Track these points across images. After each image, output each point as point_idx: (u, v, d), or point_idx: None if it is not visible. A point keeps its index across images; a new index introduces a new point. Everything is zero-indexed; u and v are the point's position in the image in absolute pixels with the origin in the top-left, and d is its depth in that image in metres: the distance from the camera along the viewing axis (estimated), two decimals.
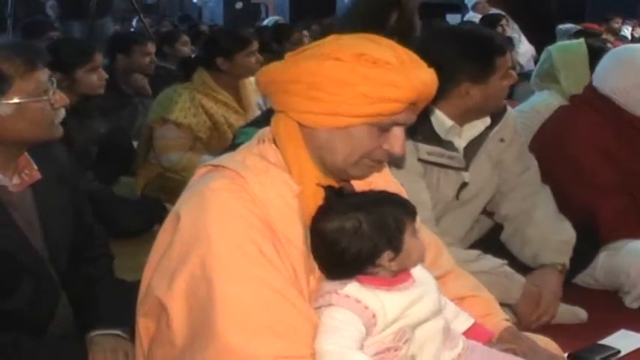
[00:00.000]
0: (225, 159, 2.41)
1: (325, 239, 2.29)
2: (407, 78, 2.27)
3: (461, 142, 3.62)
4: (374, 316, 2.26)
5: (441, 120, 3.49)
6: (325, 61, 2.29)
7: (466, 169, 3.64)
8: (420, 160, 3.46)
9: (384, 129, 2.34)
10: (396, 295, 2.31)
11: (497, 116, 3.68)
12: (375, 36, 2.41)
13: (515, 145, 3.81)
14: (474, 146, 3.66)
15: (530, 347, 2.63)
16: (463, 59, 3.40)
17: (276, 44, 9.54)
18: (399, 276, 2.33)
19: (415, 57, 2.36)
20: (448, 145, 3.55)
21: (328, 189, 2.33)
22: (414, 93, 2.29)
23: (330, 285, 2.31)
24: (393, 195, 2.41)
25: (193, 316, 2.24)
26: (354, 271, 2.30)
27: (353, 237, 2.27)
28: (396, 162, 2.91)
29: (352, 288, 2.28)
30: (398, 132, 2.36)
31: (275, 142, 2.41)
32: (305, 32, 10.81)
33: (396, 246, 2.30)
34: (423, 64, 2.36)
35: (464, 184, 3.65)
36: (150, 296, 2.35)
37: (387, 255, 2.29)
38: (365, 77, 2.25)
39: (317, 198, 2.34)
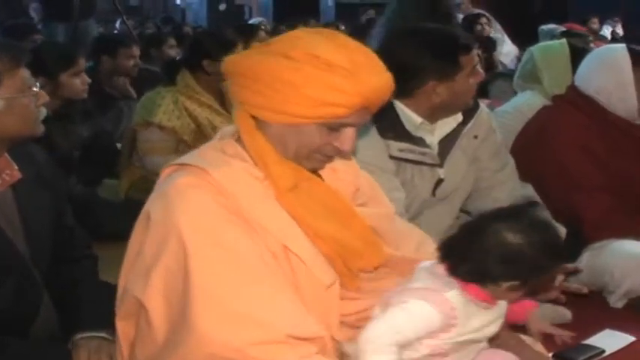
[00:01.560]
0: (187, 157, 2.48)
1: (500, 243, 2.28)
2: (356, 84, 2.29)
3: (433, 139, 3.64)
4: (454, 325, 2.32)
5: (410, 117, 3.51)
6: (273, 57, 2.33)
7: (441, 165, 3.67)
8: (391, 157, 3.48)
9: (333, 129, 2.37)
10: (484, 312, 2.36)
11: (469, 113, 3.70)
12: (335, 33, 2.44)
13: (489, 141, 3.84)
14: (448, 143, 3.69)
15: (517, 343, 2.66)
16: (428, 58, 3.45)
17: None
18: None
19: (372, 59, 2.38)
20: (419, 141, 3.58)
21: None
22: (361, 99, 2.31)
23: (432, 283, 2.35)
24: None
25: (172, 310, 2.27)
26: (484, 280, 2.32)
27: (520, 257, 2.27)
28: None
29: (453, 294, 2.32)
30: (349, 132, 2.40)
31: (236, 137, 2.46)
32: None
33: (532, 277, 2.34)
34: (378, 68, 2.38)
35: (440, 181, 3.68)
36: (127, 297, 2.39)
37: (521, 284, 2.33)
38: (310, 79, 2.28)
39: (285, 174, 2.39)
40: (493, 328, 2.44)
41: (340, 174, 2.58)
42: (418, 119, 3.52)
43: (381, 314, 2.35)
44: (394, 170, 3.50)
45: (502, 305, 2.45)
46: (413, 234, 2.83)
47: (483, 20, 11.19)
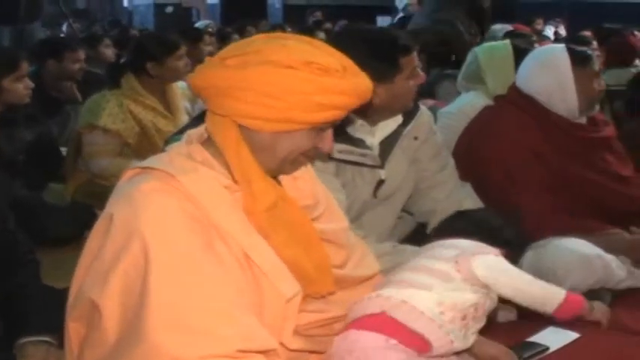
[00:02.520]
0: (153, 161, 2.42)
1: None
2: (353, 86, 2.36)
3: (374, 140, 3.63)
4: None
5: (349, 118, 3.51)
6: (278, 68, 2.30)
7: (382, 167, 3.67)
8: (330, 158, 3.48)
9: (322, 129, 2.42)
10: None
11: (409, 114, 3.70)
12: (312, 39, 2.46)
13: (430, 143, 3.85)
14: (388, 144, 3.69)
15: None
16: (367, 59, 3.40)
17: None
18: None
19: (351, 63, 2.43)
20: (359, 143, 3.56)
21: None
22: (359, 100, 2.39)
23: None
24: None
25: (126, 315, 2.23)
26: None
27: None
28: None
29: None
30: (330, 132, 2.46)
31: (203, 143, 2.43)
32: (236, 36, 10.78)
33: None
34: (359, 71, 2.43)
35: (381, 182, 3.68)
36: (82, 299, 2.34)
37: None
38: (320, 87, 2.30)
39: (268, 193, 2.40)
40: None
41: (299, 182, 2.58)
42: (358, 121, 3.53)
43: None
44: (334, 172, 3.49)
45: None
46: (357, 247, 2.84)
47: None
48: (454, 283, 2.61)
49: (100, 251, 2.32)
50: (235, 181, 2.39)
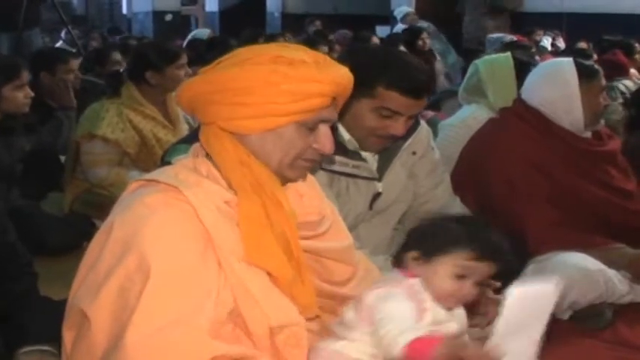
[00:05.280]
0: (158, 173, 2.41)
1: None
2: (325, 73, 2.35)
3: (368, 154, 3.60)
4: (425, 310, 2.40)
5: (339, 131, 3.48)
6: (245, 65, 2.34)
7: (379, 179, 3.64)
8: (322, 169, 3.45)
9: (311, 128, 2.39)
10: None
11: (410, 130, 3.64)
12: (286, 43, 2.47)
13: (427, 159, 3.82)
14: (387, 157, 3.65)
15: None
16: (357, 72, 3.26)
17: (211, 57, 9.48)
18: None
19: (328, 58, 2.45)
20: (354, 155, 3.53)
21: None
22: (334, 86, 2.37)
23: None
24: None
25: (115, 328, 2.21)
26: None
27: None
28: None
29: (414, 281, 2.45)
30: (325, 130, 2.42)
31: (208, 156, 2.42)
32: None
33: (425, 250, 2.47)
34: (336, 63, 2.44)
35: (377, 195, 3.65)
36: (73, 310, 2.33)
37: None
38: (286, 76, 2.31)
39: (253, 202, 2.36)
40: (454, 325, 2.45)
41: (306, 200, 2.55)
42: (346, 134, 3.48)
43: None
44: (327, 182, 3.45)
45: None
46: (360, 264, 2.82)
47: (424, 35, 11.36)
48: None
49: (97, 262, 2.30)
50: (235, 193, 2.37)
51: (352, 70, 2.46)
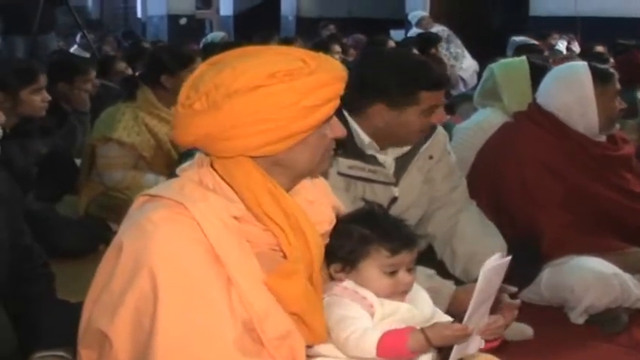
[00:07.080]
0: (163, 188, 2.39)
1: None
2: (328, 72, 2.31)
3: (386, 158, 3.61)
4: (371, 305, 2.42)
5: (359, 135, 3.48)
6: (250, 93, 2.24)
7: (396, 184, 3.65)
8: (339, 173, 3.45)
9: (326, 122, 2.37)
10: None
11: (427, 133, 3.66)
12: (245, 50, 2.42)
13: (443, 162, 3.82)
14: (404, 162, 3.67)
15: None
16: (387, 81, 3.38)
17: None
18: None
19: (316, 53, 2.40)
20: (371, 159, 3.55)
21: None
22: (341, 82, 2.34)
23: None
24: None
25: (137, 349, 2.21)
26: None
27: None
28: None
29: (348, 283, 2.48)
30: (334, 119, 2.41)
31: (212, 165, 2.37)
32: None
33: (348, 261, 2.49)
34: (326, 57, 2.41)
35: (394, 199, 3.65)
36: (91, 329, 2.32)
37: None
38: (300, 91, 2.26)
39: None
40: (414, 311, 2.47)
41: (316, 206, 2.52)
42: (367, 138, 3.50)
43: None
44: (343, 187, 3.46)
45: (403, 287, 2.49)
46: None
47: (440, 44, 11.39)
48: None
49: (109, 282, 2.29)
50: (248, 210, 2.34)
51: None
